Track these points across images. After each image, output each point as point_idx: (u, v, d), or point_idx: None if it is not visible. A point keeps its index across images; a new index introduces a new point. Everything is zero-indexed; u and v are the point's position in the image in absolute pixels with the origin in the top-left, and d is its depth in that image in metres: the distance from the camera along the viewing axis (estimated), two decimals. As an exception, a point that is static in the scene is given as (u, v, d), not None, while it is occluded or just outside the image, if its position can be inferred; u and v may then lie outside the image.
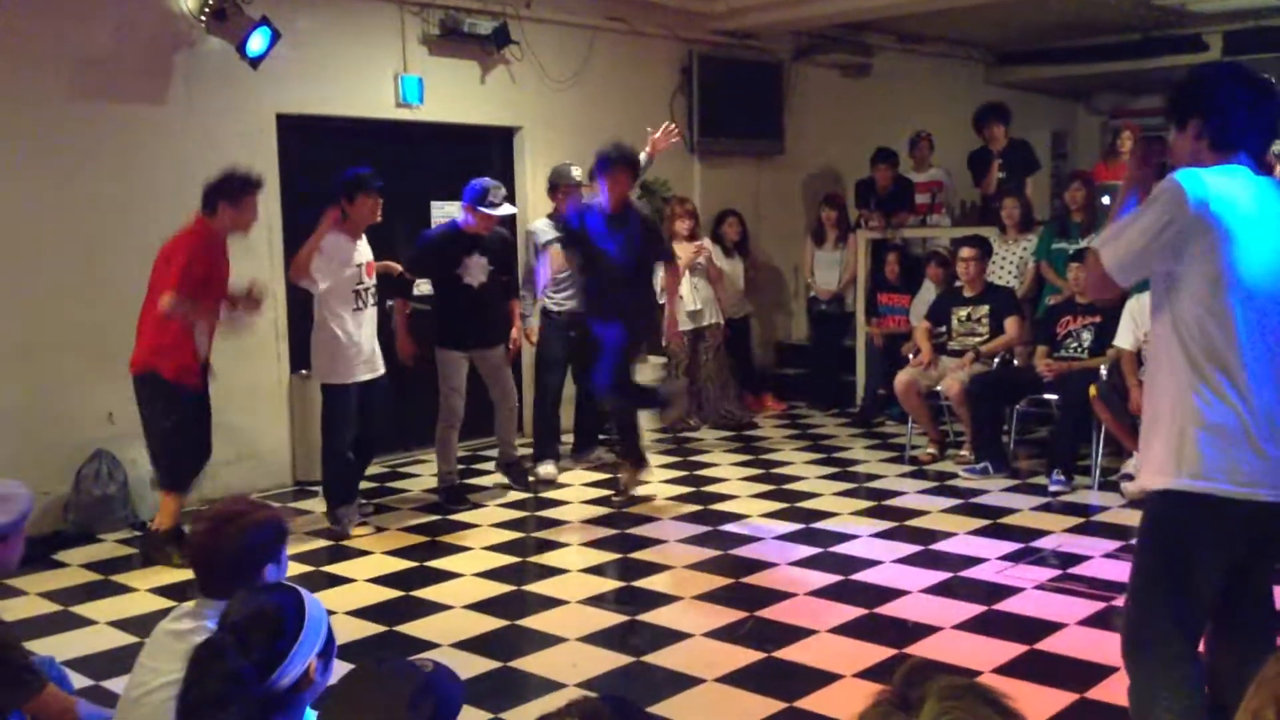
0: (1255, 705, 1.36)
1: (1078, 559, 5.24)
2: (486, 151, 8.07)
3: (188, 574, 2.71)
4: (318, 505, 6.43)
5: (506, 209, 6.43)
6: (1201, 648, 2.89)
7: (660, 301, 6.91)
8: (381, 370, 6.04)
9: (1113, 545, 5.46)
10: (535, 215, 7.97)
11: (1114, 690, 3.90)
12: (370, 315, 5.96)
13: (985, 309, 7.33)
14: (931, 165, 9.48)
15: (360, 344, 5.87)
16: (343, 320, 5.81)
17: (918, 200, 9.22)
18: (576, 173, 7.16)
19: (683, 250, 8.28)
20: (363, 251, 5.94)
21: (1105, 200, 8.09)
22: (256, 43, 6.30)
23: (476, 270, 6.38)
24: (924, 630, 4.44)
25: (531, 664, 4.23)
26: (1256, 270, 2.68)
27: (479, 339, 6.50)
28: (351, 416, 5.89)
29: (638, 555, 5.51)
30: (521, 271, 7.22)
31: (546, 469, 7.06)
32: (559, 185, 7.16)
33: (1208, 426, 2.67)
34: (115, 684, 3.77)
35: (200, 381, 5.45)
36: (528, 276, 7.19)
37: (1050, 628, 4.41)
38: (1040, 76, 11.75)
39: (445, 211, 7.49)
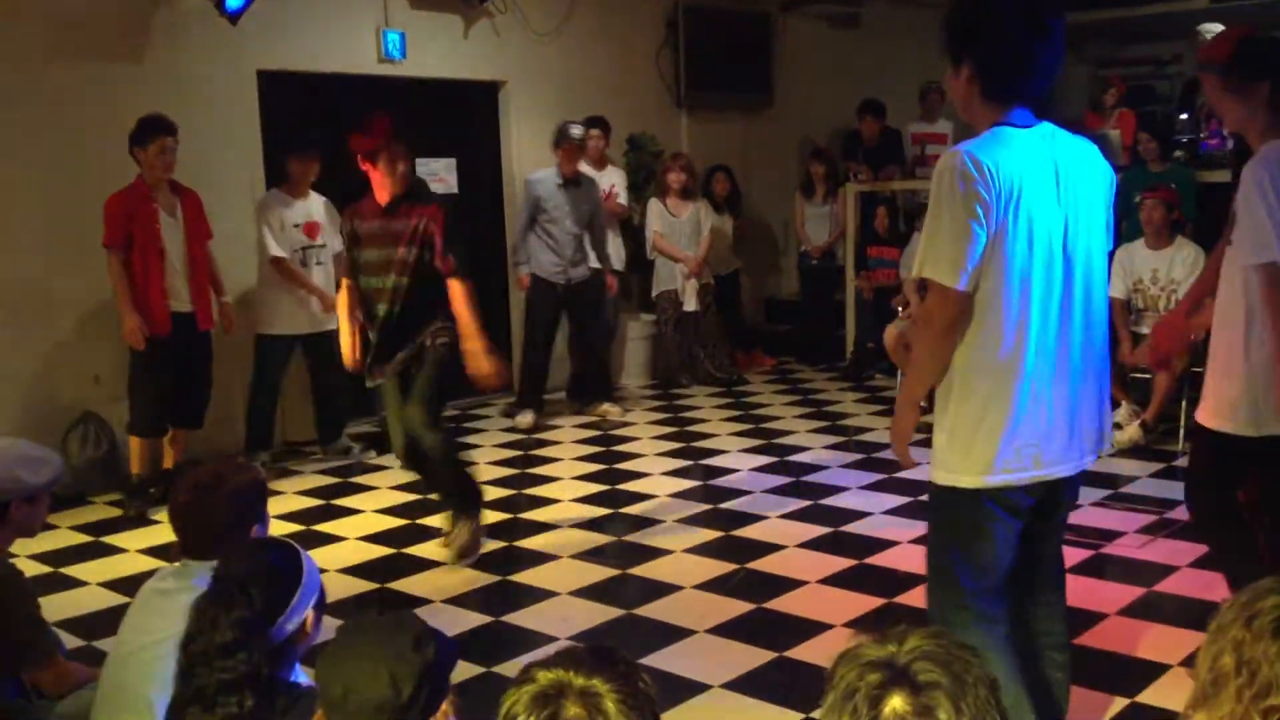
0: (1215, 650, 1.36)
1: (1066, 508, 5.26)
2: (470, 107, 7.98)
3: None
4: (306, 465, 6.47)
5: None
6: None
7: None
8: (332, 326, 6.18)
9: (1101, 494, 5.47)
10: (520, 171, 7.91)
11: (1102, 637, 3.93)
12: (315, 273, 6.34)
13: (974, 261, 7.30)
14: (940, 117, 9.39)
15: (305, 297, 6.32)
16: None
17: (936, 151, 9.06)
18: (576, 131, 7.13)
19: (678, 208, 8.24)
20: (302, 211, 6.27)
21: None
22: (234, -3, 6.23)
23: None
24: (913, 580, 4.45)
25: (523, 618, 4.25)
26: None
27: None
28: (271, 368, 6.35)
29: (628, 510, 5.52)
30: (518, 221, 7.38)
31: (524, 418, 7.22)
32: (559, 143, 7.13)
33: None
34: (106, 644, 3.77)
35: (158, 332, 5.58)
36: (524, 225, 7.26)
37: (1039, 576, 4.43)
38: (1029, 25, 11.60)
39: (429, 169, 7.42)
